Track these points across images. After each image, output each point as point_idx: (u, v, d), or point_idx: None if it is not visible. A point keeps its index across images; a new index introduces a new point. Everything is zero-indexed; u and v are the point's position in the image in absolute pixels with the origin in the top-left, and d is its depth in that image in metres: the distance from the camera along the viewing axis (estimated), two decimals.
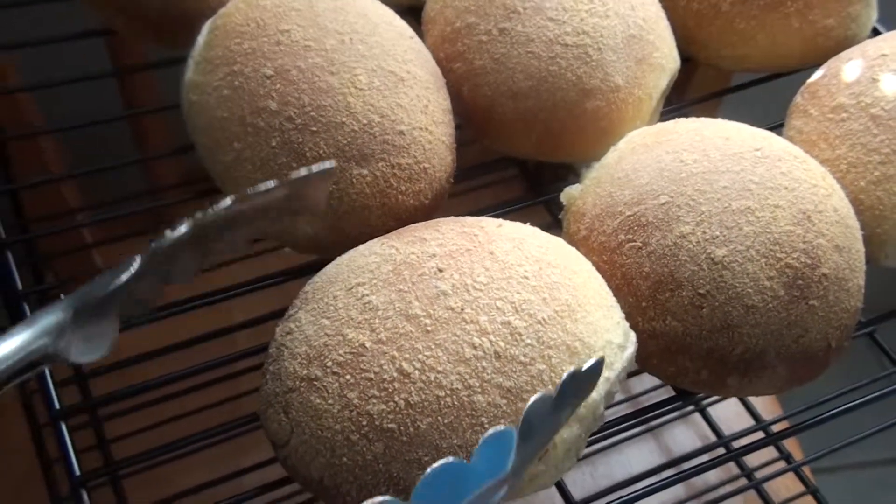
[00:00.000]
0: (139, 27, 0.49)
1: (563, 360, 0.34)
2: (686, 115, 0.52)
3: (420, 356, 0.33)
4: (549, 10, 0.46)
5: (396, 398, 0.32)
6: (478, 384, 0.33)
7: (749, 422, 0.73)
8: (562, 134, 0.46)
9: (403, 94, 0.42)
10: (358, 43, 0.42)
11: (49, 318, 0.30)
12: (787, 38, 0.51)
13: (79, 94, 0.53)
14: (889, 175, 0.42)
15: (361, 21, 0.43)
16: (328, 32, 0.42)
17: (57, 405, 0.39)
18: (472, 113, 0.47)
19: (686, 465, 0.46)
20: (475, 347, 0.33)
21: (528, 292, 0.35)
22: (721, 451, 0.71)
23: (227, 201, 0.33)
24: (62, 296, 0.31)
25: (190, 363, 0.43)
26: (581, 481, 0.72)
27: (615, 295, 0.39)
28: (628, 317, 0.39)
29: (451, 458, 0.26)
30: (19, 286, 0.42)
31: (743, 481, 0.72)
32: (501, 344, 0.34)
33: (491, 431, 0.27)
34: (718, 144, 0.41)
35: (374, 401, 0.32)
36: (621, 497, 0.41)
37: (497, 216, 0.45)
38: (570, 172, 0.56)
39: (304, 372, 0.33)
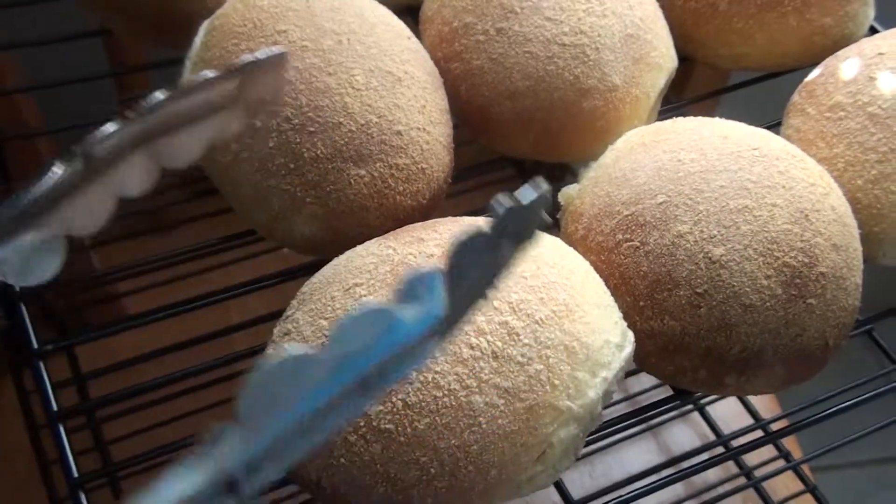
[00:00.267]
0: (137, 28, 0.49)
1: (560, 359, 0.34)
2: (684, 114, 0.52)
3: None
4: (547, 9, 0.46)
5: (394, 399, 0.32)
6: (475, 384, 0.33)
7: (748, 420, 0.73)
8: (559, 133, 0.46)
9: (401, 94, 0.42)
10: (355, 43, 0.42)
11: None
12: (785, 36, 0.51)
13: (77, 95, 0.53)
14: (886, 174, 0.42)
15: (358, 21, 0.43)
16: (325, 33, 0.42)
17: (55, 407, 0.39)
18: (470, 113, 0.47)
19: (685, 464, 0.46)
20: (473, 348, 0.33)
21: (526, 292, 0.35)
22: (720, 449, 0.71)
23: (160, 95, 0.30)
24: None
25: (188, 364, 0.43)
26: (580, 481, 0.72)
27: (613, 294, 0.39)
28: (626, 316, 0.39)
29: (373, 302, 0.24)
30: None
31: (742, 480, 0.72)
32: (499, 344, 0.34)
33: (413, 272, 0.24)
34: (716, 144, 0.41)
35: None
36: (620, 496, 0.42)
37: None
38: (568, 172, 0.56)
39: None
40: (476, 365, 0.33)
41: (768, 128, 0.49)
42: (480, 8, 0.46)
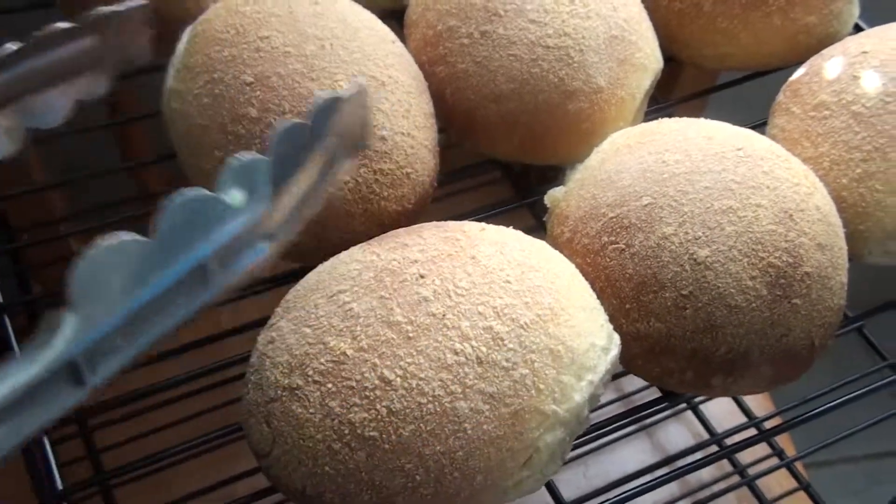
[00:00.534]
0: None
1: (546, 364, 0.34)
2: (672, 115, 0.52)
3: (402, 363, 0.33)
4: (531, 12, 0.45)
5: (378, 406, 0.32)
6: (460, 390, 0.33)
7: (741, 419, 0.73)
8: (545, 136, 0.46)
9: (385, 99, 0.42)
10: (339, 48, 0.42)
11: None
12: (770, 36, 0.51)
13: None
14: (871, 172, 0.42)
15: (342, 26, 0.43)
16: (308, 38, 0.41)
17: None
18: (455, 116, 0.47)
19: (679, 464, 0.46)
20: (457, 353, 0.33)
21: (510, 297, 0.35)
22: (714, 448, 0.71)
23: (12, 46, 0.29)
24: None
25: (179, 370, 0.43)
26: (574, 481, 0.72)
27: (599, 297, 0.39)
28: (612, 319, 0.39)
29: (197, 190, 0.24)
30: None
31: (736, 478, 0.72)
32: (483, 349, 0.34)
33: (237, 160, 0.25)
34: (701, 144, 0.41)
35: (356, 409, 0.32)
36: (613, 497, 0.41)
37: (481, 219, 0.45)
38: (557, 174, 0.56)
39: (286, 381, 0.33)
40: (460, 370, 0.33)
41: (755, 127, 0.49)
42: (464, 11, 0.46)
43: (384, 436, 0.32)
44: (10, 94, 0.29)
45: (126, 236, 0.24)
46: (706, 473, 0.74)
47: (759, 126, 0.49)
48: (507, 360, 0.34)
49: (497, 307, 0.35)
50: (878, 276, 0.50)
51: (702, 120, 0.44)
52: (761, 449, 0.74)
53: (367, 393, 0.32)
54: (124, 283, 0.24)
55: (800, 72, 0.48)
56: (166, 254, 0.24)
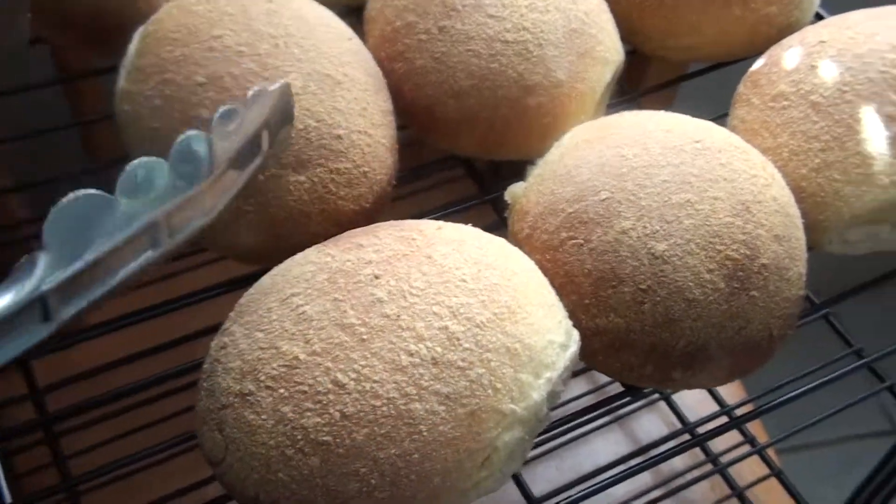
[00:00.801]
0: (71, 38, 0.48)
1: (503, 362, 0.34)
2: (640, 105, 0.52)
3: (355, 366, 0.32)
4: (489, 6, 0.45)
5: (331, 410, 0.32)
6: (415, 392, 0.32)
7: (714, 407, 0.73)
8: (505, 131, 0.46)
9: (340, 97, 0.41)
10: (293, 46, 0.41)
11: None
12: (731, 26, 0.51)
13: (26, 103, 0.52)
14: (829, 162, 0.42)
15: (297, 24, 0.42)
16: (262, 37, 0.41)
17: None
18: (415, 113, 0.46)
19: (652, 454, 0.46)
20: (412, 354, 0.33)
21: (466, 296, 0.35)
22: (686, 437, 0.71)
23: None
24: None
25: (149, 373, 0.43)
26: (547, 475, 0.72)
27: (559, 293, 0.39)
28: (572, 315, 0.38)
29: (91, 191, 0.29)
30: None
31: (709, 467, 0.72)
32: (439, 350, 0.33)
33: (136, 163, 0.31)
34: (659, 138, 0.41)
35: (309, 414, 0.32)
36: (585, 489, 0.41)
37: (443, 217, 0.45)
38: (522, 170, 0.55)
39: (238, 387, 0.33)
40: (415, 372, 0.33)
41: (720, 118, 0.49)
42: (422, 7, 0.46)
43: (338, 440, 0.32)
44: None
45: (93, 191, 0.29)
46: (679, 462, 0.75)
47: (725, 117, 0.49)
48: (462, 360, 0.33)
49: (452, 307, 0.34)
50: (841, 264, 0.50)
51: (661, 113, 0.44)
52: (734, 437, 0.74)
53: (320, 397, 0.32)
54: (91, 231, 0.29)
55: (759, 62, 0.48)
56: (125, 211, 0.30)
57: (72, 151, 0.74)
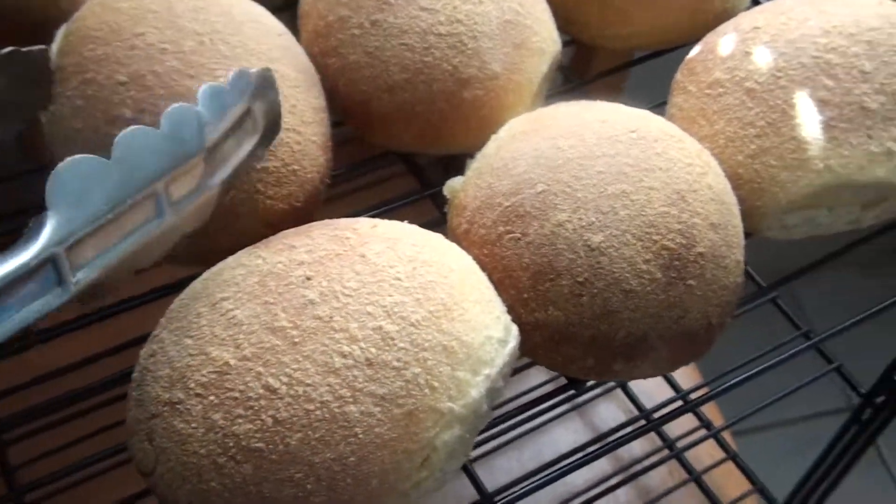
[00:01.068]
0: None
1: (439, 361, 0.34)
2: (588, 95, 0.52)
3: (287, 370, 0.32)
4: None
5: (263, 416, 0.31)
6: (349, 394, 0.32)
7: (670, 393, 0.74)
8: (442, 125, 0.45)
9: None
10: (219, 43, 0.40)
11: None
12: (667, 13, 0.51)
13: None
14: (765, 148, 0.42)
15: (224, 20, 0.41)
16: (187, 34, 0.40)
17: None
18: (350, 108, 0.46)
19: (609, 440, 0.46)
20: (345, 356, 0.32)
21: (401, 294, 0.34)
22: (644, 423, 0.71)
23: None
24: None
25: (93, 380, 0.42)
26: (507, 467, 0.72)
27: (497, 288, 0.38)
28: (511, 309, 0.38)
29: (88, 156, 0.30)
30: None
31: (666, 452, 0.73)
32: (373, 350, 0.33)
33: (129, 129, 0.32)
34: (595, 128, 0.41)
35: (240, 420, 0.31)
36: (541, 478, 0.41)
37: (382, 214, 0.44)
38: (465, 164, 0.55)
39: (167, 396, 0.32)
40: (349, 374, 0.32)
41: (662, 106, 0.49)
42: (355, 1, 0.45)
43: (271, 446, 0.31)
44: None
45: (91, 155, 0.30)
46: (638, 449, 0.75)
47: (664, 105, 0.49)
48: (398, 360, 0.33)
49: (387, 306, 0.34)
50: (785, 248, 0.51)
51: (598, 103, 0.44)
52: (691, 422, 0.75)
53: (252, 403, 0.31)
54: (91, 192, 0.30)
55: (696, 49, 0.48)
56: (124, 178, 0.31)
57: (10, 152, 0.72)
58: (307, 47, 0.46)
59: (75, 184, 0.30)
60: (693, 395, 0.71)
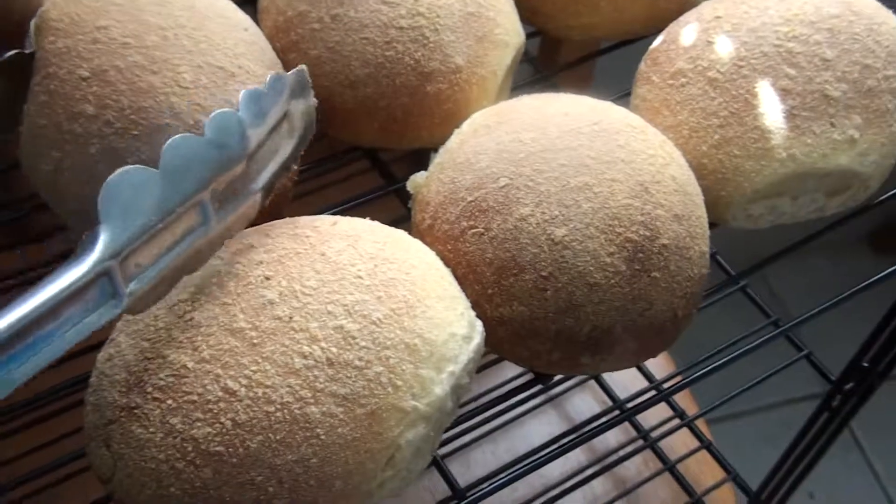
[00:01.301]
0: None
1: (402, 359, 0.33)
2: (557, 86, 0.51)
3: (246, 372, 0.31)
4: None
5: (222, 419, 0.31)
6: (310, 395, 0.32)
7: (644, 384, 0.74)
8: (405, 120, 0.45)
9: (234, 90, 0.40)
10: (183, 38, 0.39)
11: None
12: (630, 4, 0.51)
13: None
14: (728, 138, 0.42)
15: (188, 14, 0.40)
16: (150, 28, 0.39)
17: None
18: None
19: (583, 431, 0.46)
20: (305, 357, 0.32)
21: (362, 292, 0.34)
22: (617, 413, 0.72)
23: None
24: None
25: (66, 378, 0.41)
26: (483, 461, 0.72)
27: (461, 284, 0.38)
28: (476, 305, 0.38)
29: (137, 167, 0.30)
30: None
31: (640, 442, 0.73)
32: (334, 350, 0.32)
33: (176, 137, 0.32)
34: (557, 121, 0.40)
35: (199, 424, 0.31)
36: (515, 470, 0.41)
37: (347, 210, 0.44)
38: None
39: (124, 400, 0.31)
40: (310, 374, 0.32)
41: (626, 97, 0.49)
42: None
43: (230, 450, 0.31)
44: None
45: (140, 166, 0.30)
46: (612, 440, 0.75)
47: (628, 96, 0.49)
48: (360, 360, 0.32)
49: (348, 304, 0.33)
50: (753, 237, 0.51)
51: (560, 95, 0.43)
52: (665, 412, 0.75)
53: (211, 406, 0.31)
54: (142, 203, 0.30)
55: (659, 40, 0.48)
56: (172, 186, 0.31)
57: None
58: (269, 42, 0.45)
59: (126, 195, 0.30)
60: (666, 385, 0.72)
